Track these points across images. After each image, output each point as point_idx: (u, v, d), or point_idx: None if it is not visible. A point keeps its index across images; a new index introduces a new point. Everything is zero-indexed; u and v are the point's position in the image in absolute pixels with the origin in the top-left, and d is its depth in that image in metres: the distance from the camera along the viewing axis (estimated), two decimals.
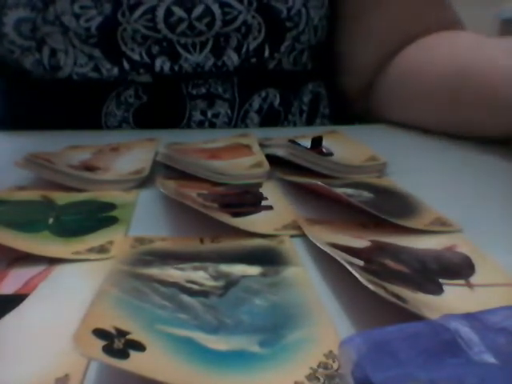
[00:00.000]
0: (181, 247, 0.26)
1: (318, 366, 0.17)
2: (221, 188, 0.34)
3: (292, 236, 0.27)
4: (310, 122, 0.62)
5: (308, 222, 0.29)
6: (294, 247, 0.26)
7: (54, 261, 0.25)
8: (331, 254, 0.23)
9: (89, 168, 0.37)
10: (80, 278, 0.23)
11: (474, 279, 0.23)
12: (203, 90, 0.54)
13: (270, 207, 0.31)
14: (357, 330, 0.20)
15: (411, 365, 0.14)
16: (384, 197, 0.33)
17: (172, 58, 0.51)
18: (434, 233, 0.28)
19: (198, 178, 0.35)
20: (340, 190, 0.31)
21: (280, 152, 0.37)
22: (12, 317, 0.20)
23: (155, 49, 0.50)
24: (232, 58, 0.52)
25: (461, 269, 0.24)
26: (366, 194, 0.33)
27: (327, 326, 0.19)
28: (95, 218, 0.30)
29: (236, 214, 0.29)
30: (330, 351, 0.18)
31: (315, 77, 0.63)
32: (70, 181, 0.34)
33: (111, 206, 0.32)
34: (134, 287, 0.21)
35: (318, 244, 0.24)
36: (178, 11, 0.49)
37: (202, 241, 0.27)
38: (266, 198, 0.33)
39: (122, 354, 0.16)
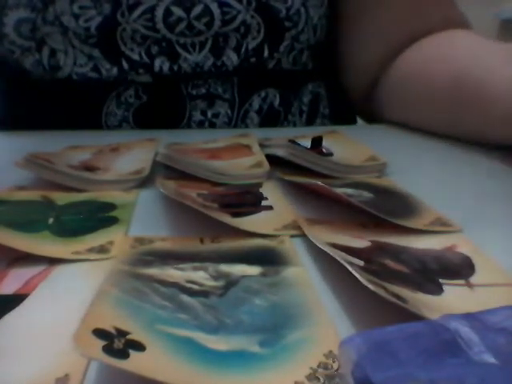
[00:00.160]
0: (181, 247, 0.26)
1: (318, 366, 0.17)
2: (221, 188, 0.34)
3: (292, 236, 0.27)
4: (309, 122, 0.62)
5: (308, 221, 0.29)
6: (293, 247, 0.26)
7: (54, 261, 0.25)
8: (331, 253, 0.23)
9: (89, 168, 0.37)
10: (80, 278, 0.23)
11: (473, 279, 0.23)
12: (203, 91, 0.54)
13: (270, 207, 0.31)
14: (357, 330, 0.20)
15: (411, 365, 0.14)
16: (384, 197, 0.33)
17: (171, 58, 0.51)
18: (434, 233, 0.28)
19: (198, 178, 0.35)
20: (340, 190, 0.31)
21: (280, 152, 0.37)
22: (12, 317, 0.20)
23: (154, 49, 0.50)
24: (231, 58, 0.52)
25: (461, 269, 0.24)
26: (366, 194, 0.33)
27: (327, 326, 0.19)
28: (95, 217, 0.30)
29: (236, 214, 0.29)
30: (330, 351, 0.18)
31: (315, 77, 0.63)
32: (70, 181, 0.34)
33: (111, 206, 0.32)
34: (134, 287, 0.21)
35: (318, 244, 0.24)
36: (177, 11, 0.49)
37: (202, 241, 0.27)
38: (266, 198, 0.33)
39: (122, 354, 0.16)
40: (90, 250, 0.26)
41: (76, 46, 0.50)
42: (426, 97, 0.51)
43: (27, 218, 0.29)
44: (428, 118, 0.52)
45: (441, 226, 0.28)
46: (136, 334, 0.17)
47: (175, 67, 0.51)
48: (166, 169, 0.38)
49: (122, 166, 0.38)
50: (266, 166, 0.36)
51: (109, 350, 0.16)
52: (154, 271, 0.23)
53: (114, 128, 0.54)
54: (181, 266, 0.24)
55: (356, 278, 0.20)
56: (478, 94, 0.44)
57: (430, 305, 0.20)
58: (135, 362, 0.16)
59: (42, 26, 0.49)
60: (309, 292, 0.22)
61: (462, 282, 0.23)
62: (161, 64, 0.51)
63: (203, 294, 0.21)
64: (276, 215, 0.30)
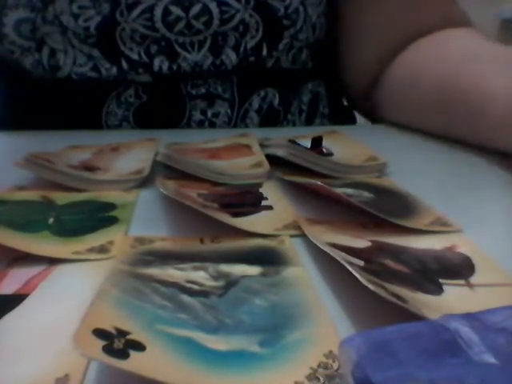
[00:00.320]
0: (181, 247, 0.26)
1: (318, 366, 0.17)
2: (221, 188, 0.34)
3: (292, 236, 0.27)
4: (309, 121, 0.62)
5: (308, 221, 0.29)
6: (293, 247, 0.26)
7: (54, 261, 0.25)
8: (331, 253, 0.23)
9: (89, 168, 0.37)
10: (80, 278, 0.23)
11: (473, 279, 0.23)
12: (203, 90, 0.54)
13: (270, 207, 0.31)
14: (357, 330, 0.20)
15: (411, 365, 0.14)
16: (384, 197, 0.33)
17: (170, 58, 0.51)
18: (434, 233, 0.28)
19: (198, 178, 0.35)
20: (340, 190, 0.31)
21: (280, 152, 0.37)
22: (12, 317, 0.20)
23: (153, 48, 0.51)
24: (230, 57, 0.52)
25: (461, 269, 0.24)
26: (366, 194, 0.33)
27: (327, 326, 0.19)
28: (95, 217, 0.30)
29: (236, 214, 0.29)
30: (330, 351, 0.18)
31: (315, 76, 0.63)
32: (70, 181, 0.34)
33: (111, 206, 0.32)
34: (134, 287, 0.21)
35: (318, 244, 0.24)
36: (176, 10, 0.49)
37: (202, 241, 0.27)
38: (266, 198, 0.33)
39: (122, 354, 0.16)
40: (90, 250, 0.26)
41: (75, 46, 0.50)
42: (420, 99, 0.51)
43: (27, 217, 0.29)
44: (423, 120, 0.52)
45: (441, 226, 0.28)
46: (136, 334, 0.17)
47: (174, 66, 0.51)
48: (165, 169, 0.38)
49: (122, 166, 0.38)
50: (266, 165, 0.36)
51: (109, 350, 0.16)
52: (154, 271, 0.23)
53: (114, 127, 0.54)
54: (181, 266, 0.24)
55: (356, 278, 0.20)
56: (465, 100, 0.44)
57: (430, 305, 0.20)
58: (135, 362, 0.16)
59: (42, 25, 0.49)
60: (309, 292, 0.22)
61: (462, 281, 0.23)
62: (160, 63, 0.51)
63: (203, 294, 0.21)
64: (276, 215, 0.30)
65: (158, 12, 0.49)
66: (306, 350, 0.18)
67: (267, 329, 0.19)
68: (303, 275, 0.23)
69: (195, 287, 0.22)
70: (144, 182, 0.36)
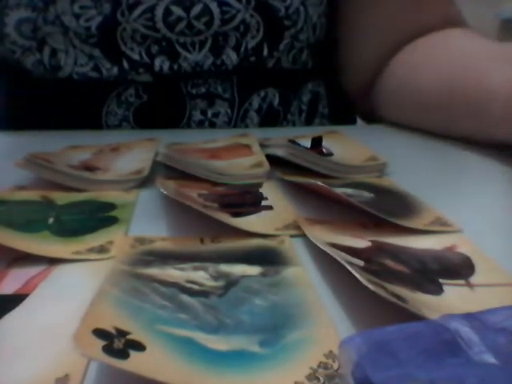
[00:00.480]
0: (181, 247, 0.26)
1: (318, 366, 0.17)
2: (221, 188, 0.34)
3: (292, 236, 0.27)
4: (309, 121, 0.62)
5: (308, 221, 0.29)
6: (293, 247, 0.26)
7: (53, 261, 0.25)
8: (331, 253, 0.23)
9: (89, 168, 0.37)
10: (80, 278, 0.23)
11: (473, 279, 0.23)
12: (203, 90, 0.54)
13: (270, 207, 0.31)
14: (357, 330, 0.20)
15: (411, 365, 0.14)
16: (384, 197, 0.33)
17: (171, 58, 0.51)
18: (433, 233, 0.28)
19: (198, 178, 0.35)
20: (340, 190, 0.31)
21: (280, 152, 0.37)
22: (12, 317, 0.20)
23: (154, 48, 0.51)
24: (231, 57, 0.52)
25: (461, 269, 0.24)
26: (366, 194, 0.33)
27: (327, 326, 0.19)
28: (95, 217, 0.30)
29: (236, 214, 0.29)
30: (330, 351, 0.18)
31: (315, 76, 0.63)
32: (70, 181, 0.34)
33: (111, 206, 0.32)
34: (134, 287, 0.21)
35: (318, 244, 0.24)
36: (177, 10, 0.49)
37: (202, 241, 0.27)
38: (266, 198, 0.33)
39: (122, 354, 0.16)
40: (90, 250, 0.26)
41: (76, 46, 0.50)
42: (421, 98, 0.51)
43: (27, 217, 0.29)
44: (424, 119, 0.52)
45: (441, 226, 0.28)
46: (136, 334, 0.17)
47: (175, 66, 0.51)
48: (166, 169, 0.38)
49: (122, 166, 0.38)
50: (266, 165, 0.36)
51: (109, 350, 0.16)
52: (154, 271, 0.23)
53: (114, 127, 0.54)
54: (181, 266, 0.24)
55: (356, 278, 0.20)
56: (470, 97, 0.44)
57: (430, 305, 0.20)
58: (135, 362, 0.16)
59: (43, 25, 0.49)
60: (309, 292, 0.22)
61: (462, 282, 0.23)
62: (161, 63, 0.51)
63: (203, 294, 0.21)
64: (276, 215, 0.30)
65: (159, 12, 0.49)
66: (306, 350, 0.18)
67: (267, 329, 0.19)
68: (303, 275, 0.23)
69: (195, 287, 0.22)
70: (144, 182, 0.36)
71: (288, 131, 0.56)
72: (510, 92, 0.40)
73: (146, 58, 0.51)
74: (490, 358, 0.14)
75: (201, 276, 0.23)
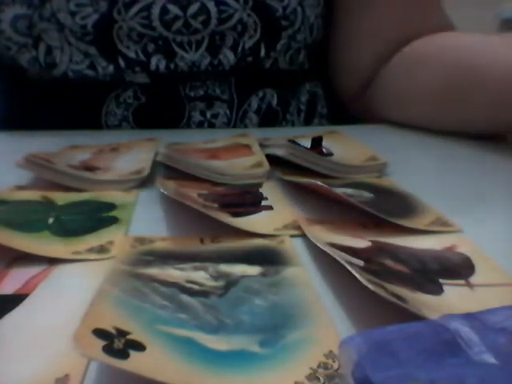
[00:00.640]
0: (181, 247, 0.26)
1: (318, 366, 0.17)
2: (221, 188, 0.34)
3: (292, 236, 0.27)
4: (307, 121, 0.62)
5: (308, 221, 0.29)
6: (293, 247, 0.26)
7: (53, 261, 0.25)
8: (331, 253, 0.23)
9: (89, 168, 0.37)
10: (80, 278, 0.23)
11: (473, 279, 0.23)
12: (201, 92, 0.54)
13: (270, 207, 0.31)
14: (357, 330, 0.20)
15: (411, 365, 0.14)
16: (384, 197, 0.33)
17: (168, 57, 0.51)
18: (434, 233, 0.28)
19: (198, 178, 0.35)
20: (340, 190, 0.31)
21: (280, 152, 0.37)
22: (12, 317, 0.20)
23: (151, 47, 0.50)
24: (228, 57, 0.52)
25: (461, 269, 0.24)
26: (366, 194, 0.33)
27: (327, 326, 0.19)
28: (95, 217, 0.30)
29: (236, 214, 0.29)
30: (330, 351, 0.18)
31: (312, 77, 0.63)
32: (70, 181, 0.34)
33: (111, 206, 0.32)
34: (134, 287, 0.21)
35: (318, 244, 0.24)
36: (174, 9, 0.49)
37: (202, 241, 0.27)
38: (266, 198, 0.33)
39: (122, 354, 0.16)
40: (90, 250, 0.26)
41: (72, 43, 0.50)
42: (424, 93, 0.51)
43: (27, 217, 0.29)
44: (426, 115, 0.52)
45: (441, 226, 0.28)
46: (136, 334, 0.17)
47: (172, 66, 0.51)
48: (166, 169, 0.38)
49: (122, 166, 0.38)
50: (266, 165, 0.36)
51: (109, 350, 0.16)
52: (154, 271, 0.23)
53: (113, 128, 0.54)
54: (181, 266, 0.24)
55: (356, 278, 0.20)
56: (481, 81, 0.44)
57: (430, 305, 0.20)
58: (135, 362, 0.16)
59: (39, 22, 0.49)
60: (309, 292, 0.22)
61: (462, 282, 0.23)
62: (157, 62, 0.51)
63: (203, 294, 0.21)
64: (276, 215, 0.30)
65: (156, 11, 0.49)
66: (306, 350, 0.18)
67: (267, 329, 0.19)
68: (303, 275, 0.23)
69: (195, 287, 0.22)
70: (144, 182, 0.36)
71: (287, 131, 0.56)
72: None
73: (142, 57, 0.51)
74: (489, 358, 0.14)
75: (201, 276, 0.23)
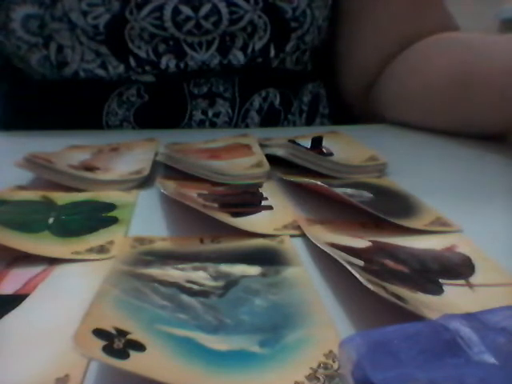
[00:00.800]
0: (181, 247, 0.26)
1: (318, 366, 0.17)
2: (221, 188, 0.34)
3: (292, 236, 0.27)
4: (309, 121, 0.62)
5: (308, 221, 0.29)
6: (293, 247, 0.26)
7: (53, 261, 0.25)
8: (331, 253, 0.23)
9: (89, 168, 0.37)
10: (80, 278, 0.23)
11: (474, 279, 0.23)
12: (205, 89, 0.54)
13: (270, 207, 0.31)
14: (357, 330, 0.20)
15: (411, 365, 0.14)
16: (384, 197, 0.33)
17: (178, 57, 0.51)
18: (433, 233, 0.28)
19: (198, 178, 0.35)
20: (340, 190, 0.31)
21: (280, 152, 0.37)
22: (12, 317, 0.20)
23: (162, 47, 0.51)
24: (238, 57, 0.52)
25: (461, 269, 0.24)
26: (366, 194, 0.33)
27: (327, 326, 0.19)
28: (95, 218, 0.30)
29: (236, 214, 0.29)
30: (330, 351, 0.18)
31: (315, 77, 0.63)
32: (69, 181, 0.34)
33: (111, 206, 0.32)
34: (134, 287, 0.21)
35: (318, 244, 0.24)
36: (186, 10, 0.49)
37: (202, 241, 0.27)
38: (266, 198, 0.33)
39: (122, 354, 0.16)
40: (90, 250, 0.26)
41: (84, 43, 0.50)
42: (426, 93, 0.51)
43: (27, 218, 0.29)
44: (429, 114, 0.52)
45: (441, 226, 0.28)
46: (136, 334, 0.17)
47: (182, 65, 0.51)
48: (166, 169, 0.38)
49: (122, 166, 0.38)
50: (266, 165, 0.36)
51: (109, 350, 0.16)
52: (153, 271, 0.23)
53: (114, 127, 0.54)
54: (181, 266, 0.24)
55: (356, 278, 0.20)
56: (491, 81, 0.44)
57: (430, 305, 0.20)
58: (135, 362, 0.16)
59: (50, 22, 0.49)
60: (309, 292, 0.22)
61: (462, 282, 0.23)
62: (167, 61, 0.51)
63: (203, 293, 0.21)
64: (276, 215, 0.30)
65: (168, 11, 0.49)
66: (306, 350, 0.18)
67: (267, 329, 0.19)
68: (303, 275, 0.23)
69: (195, 287, 0.22)
70: (144, 181, 0.36)
71: (288, 131, 0.56)
72: None
73: (152, 57, 0.51)
74: (489, 358, 0.14)
75: (201, 276, 0.23)
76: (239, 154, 0.40)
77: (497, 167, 0.40)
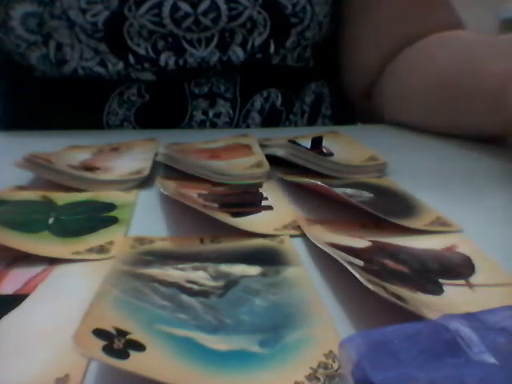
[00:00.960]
0: (181, 247, 0.26)
1: (318, 366, 0.17)
2: (221, 188, 0.34)
3: (292, 236, 0.27)
4: (311, 122, 0.62)
5: (308, 221, 0.29)
6: (293, 247, 0.26)
7: (53, 261, 0.25)
8: (331, 253, 0.23)
9: (89, 168, 0.37)
10: (80, 278, 0.23)
11: (473, 279, 0.23)
12: (205, 89, 0.54)
13: (270, 207, 0.31)
14: (357, 330, 0.20)
15: (411, 365, 0.14)
16: (384, 197, 0.33)
17: (177, 53, 0.51)
18: (433, 233, 0.28)
19: (198, 178, 0.35)
20: (340, 190, 0.31)
21: (280, 152, 0.37)
22: (12, 317, 0.20)
23: (161, 44, 0.51)
24: (237, 54, 0.52)
25: (461, 269, 0.24)
26: (366, 194, 0.33)
27: (327, 326, 0.19)
28: (95, 218, 0.30)
29: (236, 214, 0.29)
30: (330, 351, 0.18)
31: (318, 76, 0.63)
32: (70, 181, 0.34)
33: (111, 206, 0.32)
34: (134, 287, 0.21)
35: (318, 244, 0.24)
36: (184, 6, 0.49)
37: (202, 241, 0.27)
38: (266, 198, 0.33)
39: (122, 354, 0.16)
40: (90, 250, 0.26)
41: (82, 41, 0.50)
42: (425, 95, 0.51)
43: (27, 218, 0.29)
44: (428, 114, 0.52)
45: (441, 226, 0.28)
46: (136, 334, 0.17)
47: (181, 62, 0.51)
48: (166, 169, 0.38)
49: (122, 166, 0.38)
50: (266, 165, 0.36)
51: (109, 350, 0.16)
52: (154, 271, 0.23)
53: (115, 127, 0.54)
54: (181, 266, 0.24)
55: (356, 278, 0.20)
56: (481, 84, 0.44)
57: (430, 305, 0.20)
58: (135, 362, 0.16)
59: (49, 20, 0.49)
60: (309, 292, 0.22)
61: (462, 282, 0.23)
62: (166, 59, 0.51)
63: (203, 293, 0.21)
64: (276, 215, 0.30)
65: (167, 8, 0.49)
66: (306, 350, 0.18)
67: (267, 329, 0.19)
68: (303, 275, 0.23)
69: (195, 287, 0.22)
70: (144, 181, 0.36)
71: (289, 131, 0.56)
72: None
73: (151, 54, 0.51)
74: (489, 358, 0.14)
75: (201, 276, 0.23)
76: (239, 154, 0.40)
77: (497, 167, 0.40)
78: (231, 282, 0.22)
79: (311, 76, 0.61)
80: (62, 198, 0.32)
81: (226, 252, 0.25)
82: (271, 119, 0.57)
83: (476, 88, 0.45)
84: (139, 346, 0.17)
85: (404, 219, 0.28)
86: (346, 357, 0.14)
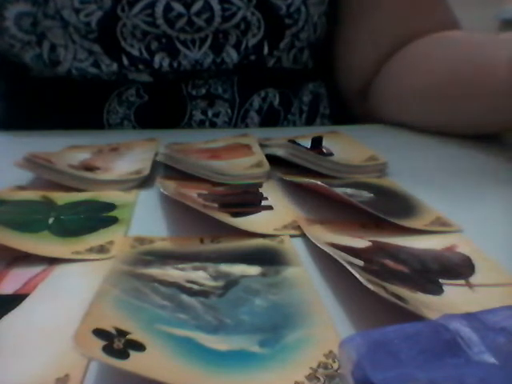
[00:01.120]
0: (181, 247, 0.26)
1: (318, 366, 0.17)
2: (221, 188, 0.34)
3: (292, 236, 0.27)
4: (309, 121, 0.62)
5: (308, 221, 0.29)
6: (293, 247, 0.26)
7: (53, 261, 0.25)
8: (331, 253, 0.23)
9: (89, 168, 0.37)
10: (80, 278, 0.23)
11: (474, 279, 0.23)
12: (203, 91, 0.54)
13: (270, 207, 0.31)
14: (357, 330, 0.20)
15: (411, 365, 0.14)
16: (384, 197, 0.33)
17: (171, 55, 0.51)
18: (433, 233, 0.28)
19: (198, 178, 0.35)
20: (340, 190, 0.31)
21: (280, 152, 0.37)
22: (12, 317, 0.20)
23: (154, 45, 0.50)
24: (231, 55, 0.52)
25: (461, 269, 0.24)
26: (366, 194, 0.33)
27: (327, 326, 0.19)
28: (95, 217, 0.30)
29: (236, 214, 0.29)
30: (330, 351, 0.18)
31: (316, 76, 0.63)
32: (70, 181, 0.34)
33: (111, 206, 0.32)
34: (134, 287, 0.21)
35: (318, 244, 0.24)
36: (178, 7, 0.49)
37: (202, 241, 0.27)
38: (266, 198, 0.33)
39: (122, 354, 0.16)
40: (90, 250, 0.26)
41: (76, 41, 0.50)
42: (423, 93, 0.51)
43: (27, 218, 0.29)
44: (428, 114, 0.52)
45: (441, 226, 0.28)
46: (136, 334, 0.17)
47: (175, 64, 0.51)
48: (165, 169, 0.38)
49: (122, 166, 0.38)
50: (266, 165, 0.36)
51: (109, 350, 0.16)
52: (154, 271, 0.23)
53: (115, 126, 0.54)
54: (181, 266, 0.24)
55: (356, 278, 0.20)
56: (480, 81, 0.44)
57: (430, 305, 0.20)
58: (135, 362, 0.16)
59: (43, 20, 0.49)
60: (309, 292, 0.22)
61: (462, 282, 0.23)
62: (161, 60, 0.51)
63: (203, 293, 0.21)
64: (276, 215, 0.30)
65: (160, 8, 0.49)
66: (306, 350, 0.18)
67: (267, 329, 0.19)
68: (303, 275, 0.23)
69: (195, 287, 0.22)
70: (144, 181, 0.36)
71: (288, 131, 0.56)
72: None
73: (145, 55, 0.51)
74: (489, 358, 0.14)
75: (201, 276, 0.23)
76: (239, 154, 0.40)
77: (497, 167, 0.40)
78: (231, 282, 0.22)
79: (308, 76, 0.61)
80: (61, 197, 0.32)
81: (225, 252, 0.25)
82: (269, 119, 0.57)
83: (478, 83, 0.45)
84: (139, 346, 0.17)
85: (404, 219, 0.28)
86: (346, 357, 0.14)
